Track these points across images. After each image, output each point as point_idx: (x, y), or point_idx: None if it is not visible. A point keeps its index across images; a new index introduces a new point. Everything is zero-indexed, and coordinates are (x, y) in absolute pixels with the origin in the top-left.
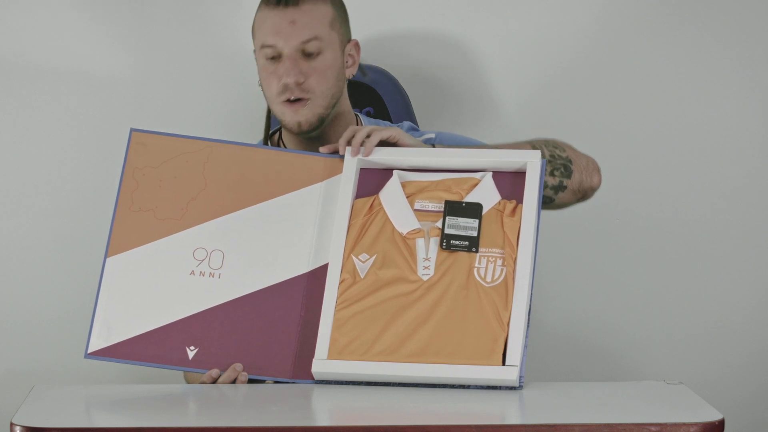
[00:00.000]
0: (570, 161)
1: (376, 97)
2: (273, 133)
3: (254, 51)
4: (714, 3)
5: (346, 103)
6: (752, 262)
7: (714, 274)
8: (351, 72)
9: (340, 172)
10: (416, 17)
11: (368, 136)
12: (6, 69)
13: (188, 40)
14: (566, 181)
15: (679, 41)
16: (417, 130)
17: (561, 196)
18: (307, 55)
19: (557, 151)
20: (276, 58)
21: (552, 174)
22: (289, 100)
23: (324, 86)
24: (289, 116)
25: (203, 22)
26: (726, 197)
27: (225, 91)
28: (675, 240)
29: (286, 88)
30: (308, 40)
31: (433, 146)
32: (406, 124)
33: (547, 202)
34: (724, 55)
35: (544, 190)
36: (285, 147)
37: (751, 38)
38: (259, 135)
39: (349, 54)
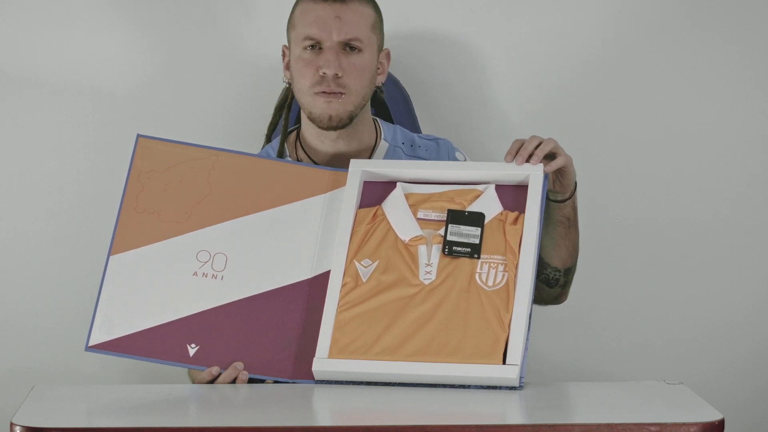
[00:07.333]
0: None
1: (377, 97)
2: (290, 132)
3: (286, 43)
4: (717, 7)
5: (368, 108)
6: (752, 262)
7: (714, 274)
8: (381, 80)
9: (344, 185)
10: (418, 18)
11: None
12: (12, 76)
13: (194, 45)
14: (567, 287)
15: (682, 45)
16: (459, 149)
17: (554, 292)
18: (348, 52)
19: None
20: (315, 49)
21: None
22: (324, 92)
23: (359, 84)
24: (321, 108)
25: (209, 28)
26: (725, 198)
27: (230, 96)
28: (675, 241)
29: (323, 79)
30: (351, 38)
31: None
32: (449, 142)
33: (552, 285)
34: (726, 58)
35: (555, 278)
36: (303, 147)
37: (754, 42)
38: (262, 138)
39: (380, 61)
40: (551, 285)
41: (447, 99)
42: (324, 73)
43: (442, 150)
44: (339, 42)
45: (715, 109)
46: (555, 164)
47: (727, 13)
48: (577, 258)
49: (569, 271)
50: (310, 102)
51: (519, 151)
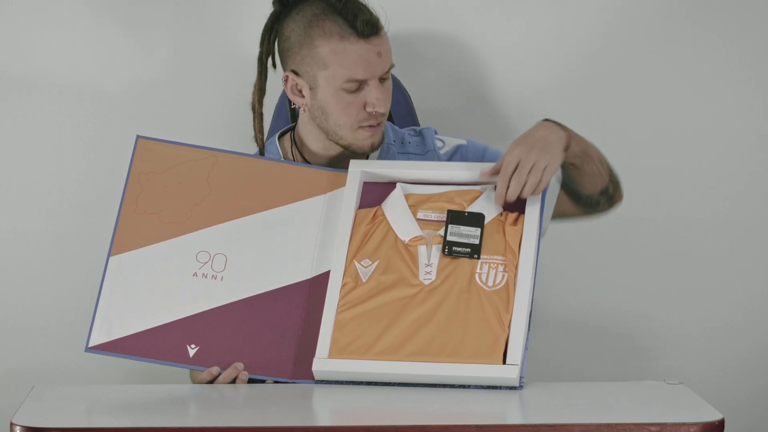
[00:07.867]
0: (617, 178)
1: None
2: (283, 134)
3: (306, 75)
4: (717, 7)
5: None
6: (752, 262)
7: (714, 274)
8: None
9: (343, 185)
10: (418, 18)
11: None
12: (12, 76)
13: (194, 45)
14: (616, 194)
15: (682, 45)
16: (439, 136)
17: (602, 207)
18: (382, 80)
19: (611, 169)
20: (358, 89)
21: (607, 189)
22: (370, 126)
23: (389, 107)
24: (366, 140)
25: (209, 28)
26: (726, 198)
27: (230, 96)
28: (675, 240)
29: (371, 115)
30: (388, 69)
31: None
32: (432, 130)
33: (595, 205)
34: (726, 57)
35: (595, 195)
36: (300, 151)
37: (754, 42)
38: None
39: None
40: (594, 205)
41: (447, 98)
42: (374, 111)
43: (427, 141)
44: (381, 77)
45: (715, 109)
46: (543, 185)
47: (727, 13)
48: (607, 178)
49: (604, 192)
50: (351, 135)
51: (506, 195)
